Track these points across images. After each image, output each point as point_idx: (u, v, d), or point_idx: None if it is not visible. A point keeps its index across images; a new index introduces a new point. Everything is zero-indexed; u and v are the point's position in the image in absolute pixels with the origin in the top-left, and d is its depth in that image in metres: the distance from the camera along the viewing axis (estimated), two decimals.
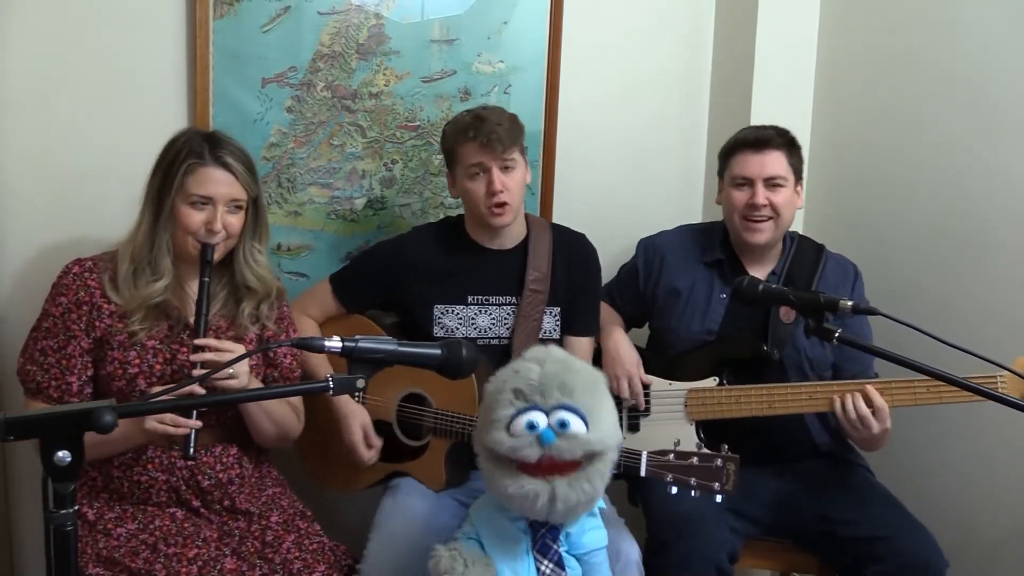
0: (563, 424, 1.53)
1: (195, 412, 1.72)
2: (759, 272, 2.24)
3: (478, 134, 2.04)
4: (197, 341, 1.77)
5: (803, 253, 2.26)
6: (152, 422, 1.69)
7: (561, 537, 1.64)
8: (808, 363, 2.16)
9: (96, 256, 1.88)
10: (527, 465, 1.53)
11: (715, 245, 2.28)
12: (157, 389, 1.77)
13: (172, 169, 1.80)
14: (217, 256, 1.83)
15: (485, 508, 1.69)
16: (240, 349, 1.82)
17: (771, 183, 2.15)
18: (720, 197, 2.28)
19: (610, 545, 1.75)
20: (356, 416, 2.08)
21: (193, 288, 1.86)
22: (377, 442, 2.10)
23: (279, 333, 1.98)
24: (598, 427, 1.56)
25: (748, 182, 2.16)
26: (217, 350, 1.77)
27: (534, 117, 2.55)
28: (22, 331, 1.88)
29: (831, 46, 2.66)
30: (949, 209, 2.31)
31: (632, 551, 1.90)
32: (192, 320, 1.83)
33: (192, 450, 1.72)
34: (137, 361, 1.81)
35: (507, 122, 2.08)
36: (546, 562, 1.62)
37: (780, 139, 2.19)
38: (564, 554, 1.63)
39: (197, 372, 1.75)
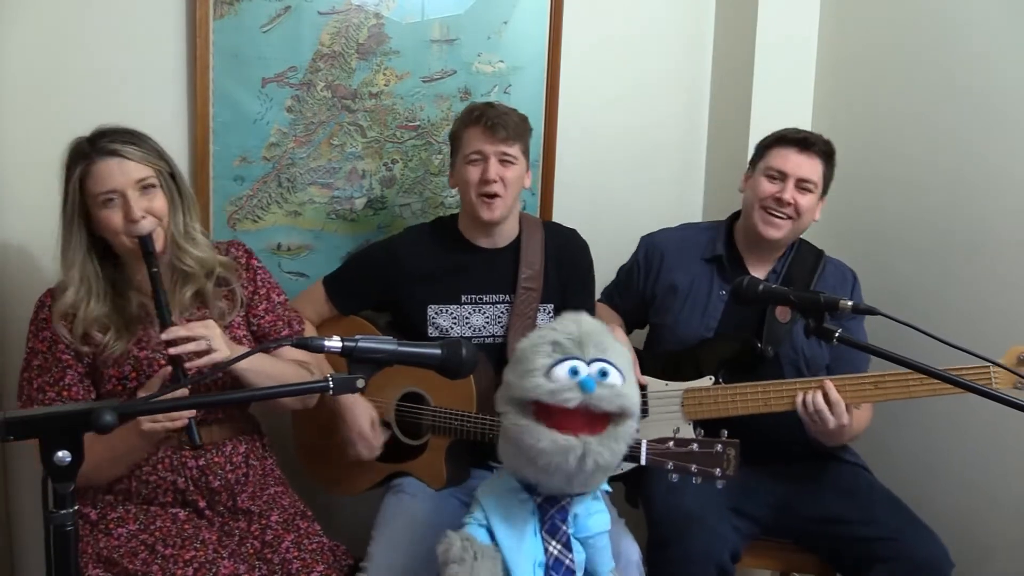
0: (603, 373, 1.54)
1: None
2: (759, 271, 2.24)
3: (483, 116, 2.08)
4: (164, 336, 1.72)
5: (803, 256, 2.26)
6: (147, 424, 1.68)
7: (569, 519, 1.63)
8: (804, 362, 2.17)
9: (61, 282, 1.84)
10: (561, 418, 1.52)
11: (718, 242, 2.28)
12: (141, 394, 1.75)
13: (69, 183, 1.77)
14: (160, 245, 1.79)
15: (493, 489, 1.68)
16: (211, 324, 1.79)
17: (802, 185, 2.16)
18: (744, 185, 2.27)
19: (610, 545, 1.75)
20: (366, 411, 2.08)
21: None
22: (380, 439, 2.10)
23: (252, 286, 1.96)
24: (630, 385, 1.58)
25: (781, 176, 2.17)
26: (187, 339, 1.73)
27: (534, 117, 2.52)
28: (22, 330, 1.87)
29: (831, 46, 2.67)
30: (948, 208, 2.31)
31: (632, 551, 1.91)
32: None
33: (198, 438, 1.70)
34: (134, 375, 1.80)
35: (515, 116, 2.12)
36: (554, 543, 1.62)
37: (825, 148, 2.20)
38: (571, 536, 1.63)
39: (191, 364, 1.72)
